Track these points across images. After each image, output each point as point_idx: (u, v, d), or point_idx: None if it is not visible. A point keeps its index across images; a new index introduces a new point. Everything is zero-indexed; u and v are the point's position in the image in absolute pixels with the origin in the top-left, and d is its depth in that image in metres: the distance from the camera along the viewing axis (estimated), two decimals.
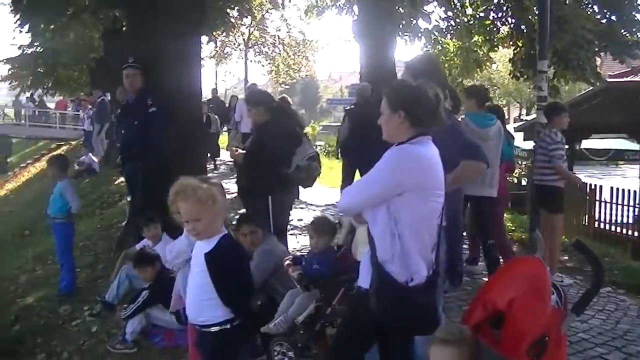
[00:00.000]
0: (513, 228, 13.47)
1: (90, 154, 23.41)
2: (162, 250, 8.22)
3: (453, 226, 7.90)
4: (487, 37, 19.49)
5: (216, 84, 47.79)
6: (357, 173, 14.49)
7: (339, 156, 15.99)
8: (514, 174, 21.64)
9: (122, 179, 16.77)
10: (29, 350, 8.75)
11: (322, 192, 16.46)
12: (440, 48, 20.08)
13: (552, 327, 4.22)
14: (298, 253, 9.39)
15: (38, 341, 8.87)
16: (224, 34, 35.99)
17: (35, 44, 31.51)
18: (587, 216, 14.92)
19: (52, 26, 16.94)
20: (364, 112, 14.19)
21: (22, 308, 10.33)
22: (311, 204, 15.59)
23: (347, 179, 14.77)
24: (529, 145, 19.43)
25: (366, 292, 4.82)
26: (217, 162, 23.56)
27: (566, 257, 11.33)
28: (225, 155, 24.42)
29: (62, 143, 40.20)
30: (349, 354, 5.22)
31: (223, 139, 25.68)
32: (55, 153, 30.75)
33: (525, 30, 17.57)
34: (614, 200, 14.59)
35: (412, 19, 18.35)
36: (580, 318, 5.67)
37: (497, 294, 4.55)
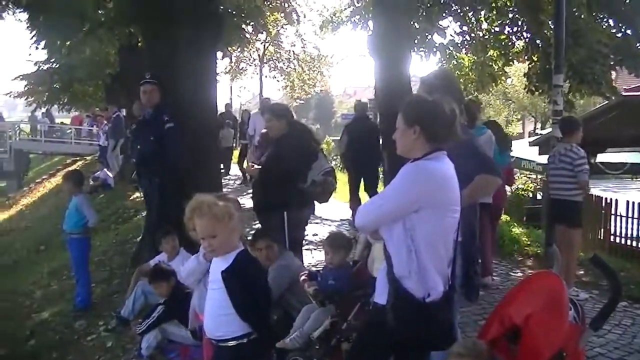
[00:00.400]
0: (528, 242, 13.41)
1: (106, 170, 23.47)
2: (179, 266, 8.25)
3: (469, 241, 7.89)
4: (502, 52, 19.50)
5: (231, 99, 47.93)
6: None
7: (341, 169, 16.31)
8: (528, 187, 21.63)
9: (137, 194, 16.86)
10: None
11: (338, 207, 16.46)
12: (455, 63, 20.09)
13: (569, 342, 4.21)
14: (313, 268, 9.39)
15: (53, 356, 8.91)
16: (239, 49, 36.12)
17: (51, 60, 31.74)
18: (602, 230, 14.85)
19: (68, 42, 17.05)
20: (361, 127, 14.86)
21: (38, 323, 10.37)
22: (326, 219, 15.59)
23: (353, 192, 15.14)
24: (545, 159, 19.41)
25: (383, 308, 4.82)
26: (230, 177, 23.60)
27: (582, 272, 11.28)
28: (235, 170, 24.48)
29: (78, 158, 40.37)
30: None
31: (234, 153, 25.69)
32: (70, 168, 30.90)
33: (540, 45, 17.56)
34: (630, 214, 14.52)
35: (427, 34, 18.40)
36: (596, 333, 5.62)
37: (514, 309, 4.54)
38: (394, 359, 5.02)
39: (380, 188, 15.40)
